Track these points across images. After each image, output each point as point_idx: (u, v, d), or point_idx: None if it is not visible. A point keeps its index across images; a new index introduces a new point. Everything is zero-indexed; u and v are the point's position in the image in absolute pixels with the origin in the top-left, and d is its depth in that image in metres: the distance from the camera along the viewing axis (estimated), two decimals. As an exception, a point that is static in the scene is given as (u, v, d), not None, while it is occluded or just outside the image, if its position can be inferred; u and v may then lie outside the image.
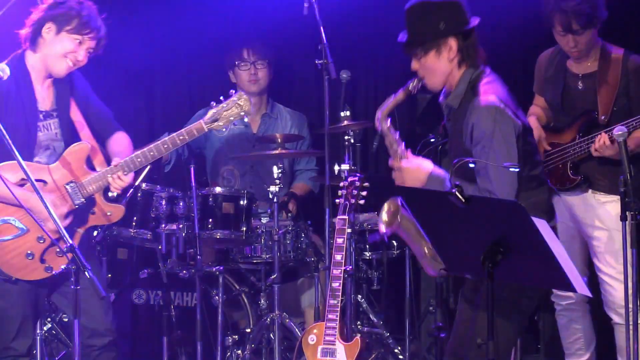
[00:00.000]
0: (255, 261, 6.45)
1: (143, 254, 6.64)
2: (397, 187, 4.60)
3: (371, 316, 6.53)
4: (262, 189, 6.48)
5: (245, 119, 5.29)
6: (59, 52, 5.03)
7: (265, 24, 7.15)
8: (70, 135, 5.17)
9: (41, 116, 5.09)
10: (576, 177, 5.82)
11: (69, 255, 4.14)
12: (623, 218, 5.15)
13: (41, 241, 4.96)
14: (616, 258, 5.68)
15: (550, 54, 6.01)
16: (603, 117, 5.76)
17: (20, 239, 4.90)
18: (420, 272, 6.80)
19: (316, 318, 6.13)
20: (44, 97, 5.12)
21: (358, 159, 6.45)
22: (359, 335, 5.46)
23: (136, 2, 7.22)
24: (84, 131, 5.18)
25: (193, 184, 6.06)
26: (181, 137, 5.13)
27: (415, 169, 4.63)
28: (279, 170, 6.15)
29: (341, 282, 5.33)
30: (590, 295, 4.17)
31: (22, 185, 4.89)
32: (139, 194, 6.16)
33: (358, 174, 5.52)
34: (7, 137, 4.36)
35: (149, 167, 5.88)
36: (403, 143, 4.72)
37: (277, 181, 6.13)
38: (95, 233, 6.07)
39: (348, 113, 6.21)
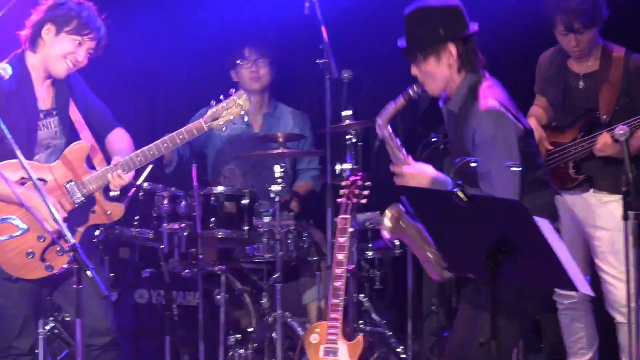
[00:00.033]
0: (257, 260, 6.44)
1: (145, 253, 6.64)
2: (400, 187, 4.60)
3: (373, 315, 6.52)
4: (264, 189, 6.48)
5: (246, 118, 5.27)
6: (58, 53, 5.04)
7: (266, 24, 7.15)
8: (71, 133, 5.17)
9: (41, 115, 5.10)
10: (578, 177, 5.82)
11: (71, 254, 4.14)
12: (625, 218, 5.15)
13: (41, 240, 4.97)
14: (618, 257, 5.69)
15: (551, 54, 6.01)
16: (605, 117, 5.77)
17: (20, 237, 4.91)
18: (422, 272, 6.79)
19: (319, 317, 6.13)
20: (44, 97, 5.13)
21: (360, 158, 6.44)
22: (361, 334, 5.46)
23: (137, 2, 7.22)
24: (84, 132, 5.18)
25: (195, 183, 6.06)
26: (181, 136, 5.13)
27: (418, 174, 4.64)
28: (281, 170, 6.15)
29: (343, 281, 5.33)
30: (592, 294, 4.17)
31: (22, 184, 4.90)
32: (141, 193, 6.16)
33: (360, 173, 5.52)
34: (9, 136, 4.37)
35: (151, 166, 5.89)
36: (404, 149, 4.73)
37: (279, 180, 6.14)
38: (97, 232, 6.08)
39: (350, 112, 6.20)
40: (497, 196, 4.38)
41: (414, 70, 4.69)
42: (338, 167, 5.98)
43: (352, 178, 5.48)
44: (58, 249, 4.94)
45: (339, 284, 5.32)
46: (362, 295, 6.48)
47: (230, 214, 6.27)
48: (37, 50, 5.07)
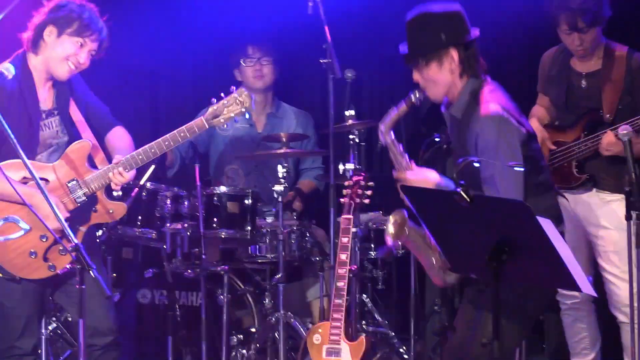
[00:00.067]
0: (260, 260, 6.45)
1: (148, 254, 6.65)
2: (402, 187, 4.60)
3: (376, 316, 6.52)
4: (267, 189, 6.48)
5: (247, 116, 5.26)
6: (60, 55, 5.03)
7: (269, 23, 7.15)
8: (72, 132, 5.17)
9: (43, 115, 5.10)
10: (581, 176, 5.82)
11: (74, 254, 4.14)
12: (628, 218, 5.15)
13: (44, 240, 4.97)
14: (620, 257, 5.68)
15: (554, 53, 6.01)
16: (608, 115, 5.77)
17: (23, 237, 4.90)
18: (425, 272, 6.79)
19: (321, 318, 6.13)
20: (45, 98, 5.13)
21: (363, 158, 6.43)
22: (364, 334, 5.46)
23: (140, 2, 7.22)
24: (86, 133, 5.17)
25: (198, 183, 6.06)
26: (182, 134, 5.12)
27: (422, 180, 4.65)
28: (284, 170, 6.15)
29: (346, 281, 5.33)
30: (595, 295, 4.17)
31: (24, 184, 4.89)
32: (144, 193, 6.16)
33: (363, 173, 5.52)
34: (12, 135, 4.37)
35: (153, 166, 5.88)
36: (407, 155, 4.74)
37: (282, 180, 6.13)
38: (100, 232, 6.08)
39: (353, 112, 6.20)
40: (501, 197, 4.38)
41: (416, 76, 4.70)
42: (341, 167, 5.98)
43: (355, 178, 5.47)
44: (61, 248, 4.95)
45: (341, 284, 5.32)
46: (364, 296, 6.48)
47: (233, 214, 6.27)
48: (39, 52, 5.07)
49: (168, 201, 6.17)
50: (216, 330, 6.14)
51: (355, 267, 5.70)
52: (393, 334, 6.45)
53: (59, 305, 5.83)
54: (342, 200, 5.45)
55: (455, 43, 4.61)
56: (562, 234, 4.25)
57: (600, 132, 5.72)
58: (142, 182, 5.98)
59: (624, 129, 5.29)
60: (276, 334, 6.12)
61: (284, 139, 6.30)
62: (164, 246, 6.17)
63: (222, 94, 5.19)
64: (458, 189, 3.87)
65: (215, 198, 6.27)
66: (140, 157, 5.09)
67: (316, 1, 5.94)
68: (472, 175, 4.53)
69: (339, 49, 6.00)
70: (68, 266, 4.90)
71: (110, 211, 5.16)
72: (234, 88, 5.22)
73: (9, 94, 4.97)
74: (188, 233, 6.15)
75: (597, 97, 5.82)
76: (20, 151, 4.36)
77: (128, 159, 5.08)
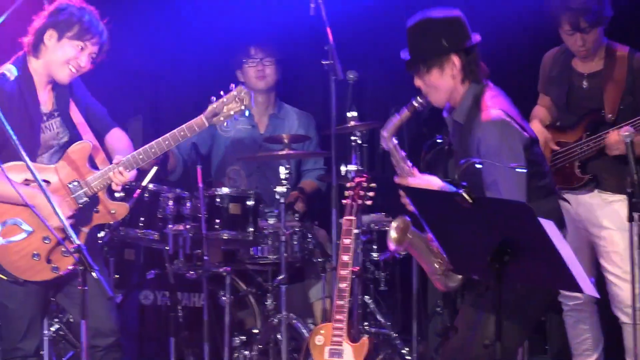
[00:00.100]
0: (262, 262, 6.44)
1: (150, 255, 6.65)
2: (405, 188, 4.60)
3: (378, 317, 6.52)
4: (269, 190, 6.48)
5: (247, 113, 5.25)
6: (60, 58, 5.02)
7: (271, 25, 7.15)
8: (73, 132, 5.17)
9: (44, 118, 5.10)
10: (584, 176, 5.82)
11: (76, 255, 4.14)
12: (630, 219, 5.15)
13: (47, 241, 4.97)
14: (623, 258, 5.68)
15: (555, 53, 6.02)
16: (610, 115, 5.77)
17: (25, 240, 4.90)
18: (427, 274, 6.80)
19: (323, 319, 6.13)
20: (46, 100, 5.12)
21: (365, 159, 6.44)
22: (366, 336, 5.45)
23: (142, 3, 7.22)
24: (87, 135, 5.17)
25: (200, 185, 6.06)
26: (182, 133, 5.11)
27: (424, 185, 4.65)
28: (286, 171, 6.15)
29: (348, 282, 5.32)
30: (597, 296, 4.17)
31: (26, 186, 4.89)
32: (146, 195, 6.16)
33: (365, 175, 5.51)
34: (14, 137, 4.37)
35: (156, 167, 5.88)
36: (410, 161, 4.75)
37: (284, 182, 6.14)
38: (102, 234, 6.08)
39: (355, 114, 6.20)
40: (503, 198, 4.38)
41: (418, 82, 4.71)
42: (343, 169, 5.98)
43: (357, 179, 5.47)
44: (64, 250, 4.95)
45: (344, 285, 5.32)
46: (367, 297, 6.48)
47: (235, 216, 6.27)
48: (39, 56, 5.06)
49: (170, 202, 6.17)
50: (218, 331, 6.14)
51: (358, 268, 5.70)
52: (395, 335, 6.45)
53: (61, 306, 5.83)
54: (344, 201, 5.45)
55: (457, 49, 4.62)
56: (564, 237, 4.24)
57: (603, 132, 5.72)
58: (144, 184, 5.97)
59: (626, 130, 5.29)
60: (278, 335, 6.12)
61: (285, 140, 6.30)
62: (166, 247, 6.17)
63: (222, 92, 5.19)
64: (460, 191, 3.87)
65: (218, 199, 6.27)
66: (141, 156, 5.09)
67: (318, 2, 5.94)
68: (474, 177, 4.53)
69: (341, 50, 6.00)
70: (70, 267, 4.91)
71: (113, 211, 5.16)
72: (233, 86, 5.21)
73: (9, 96, 4.96)
74: (190, 234, 6.15)
75: (598, 98, 5.82)
76: (23, 152, 4.37)
77: (129, 159, 5.08)
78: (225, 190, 6.34)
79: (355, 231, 5.46)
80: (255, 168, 6.98)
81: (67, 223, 4.34)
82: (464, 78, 4.65)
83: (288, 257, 6.23)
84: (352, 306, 5.68)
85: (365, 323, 6.36)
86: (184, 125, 5.12)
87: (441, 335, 6.60)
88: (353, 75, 6.40)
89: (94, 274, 4.11)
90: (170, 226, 6.16)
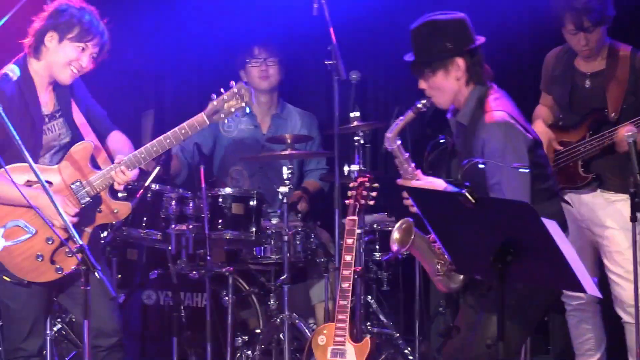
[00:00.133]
0: (264, 262, 6.45)
1: (153, 255, 6.65)
2: (408, 189, 4.60)
3: (381, 317, 6.52)
4: (271, 190, 6.48)
5: (247, 110, 5.24)
6: (62, 60, 5.01)
7: (274, 25, 7.15)
8: (75, 132, 5.16)
9: (46, 119, 5.09)
10: (587, 175, 5.82)
11: (79, 255, 4.14)
12: (633, 219, 5.15)
13: (50, 242, 4.96)
14: (625, 257, 5.68)
15: (558, 52, 6.02)
16: (613, 115, 5.77)
17: (29, 241, 4.89)
18: (430, 273, 6.80)
19: (326, 319, 6.13)
20: (47, 101, 5.11)
21: (368, 159, 6.44)
22: (368, 335, 5.46)
23: (144, 4, 7.22)
24: (90, 136, 5.16)
25: (203, 185, 6.06)
26: (183, 131, 5.10)
27: (428, 187, 4.65)
28: (289, 171, 6.15)
29: (351, 282, 5.33)
30: (600, 296, 4.17)
31: (29, 187, 4.89)
32: (149, 195, 6.17)
33: (368, 175, 5.51)
34: (17, 137, 4.37)
35: (158, 167, 5.88)
36: (414, 163, 4.75)
37: (287, 182, 6.14)
38: (105, 234, 6.09)
39: (358, 114, 6.20)
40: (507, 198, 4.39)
41: (422, 84, 4.72)
42: (346, 169, 5.98)
43: (360, 179, 5.47)
44: (67, 250, 4.94)
45: (346, 285, 5.32)
46: (369, 297, 6.48)
47: (238, 216, 6.27)
48: (40, 58, 5.05)
49: (173, 202, 6.17)
50: (221, 331, 6.14)
51: (360, 268, 5.70)
52: (398, 335, 6.45)
53: (63, 306, 5.83)
54: (346, 201, 5.45)
55: (461, 51, 4.63)
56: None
57: (606, 131, 5.72)
58: (147, 184, 5.97)
59: (628, 130, 5.29)
60: (281, 335, 6.12)
61: (288, 140, 6.30)
62: (169, 247, 6.18)
63: (222, 90, 5.19)
64: (463, 191, 3.87)
65: (220, 199, 6.27)
66: (142, 155, 5.08)
67: (321, 2, 5.94)
68: (477, 177, 4.54)
69: (344, 50, 6.00)
70: (74, 267, 4.91)
71: (115, 211, 5.15)
72: (234, 83, 5.20)
73: (10, 98, 4.95)
74: (193, 234, 6.15)
75: (601, 97, 5.82)
76: (26, 153, 4.36)
77: (130, 158, 5.07)
78: (228, 190, 6.34)
79: (358, 231, 5.46)
80: (258, 168, 6.98)
81: (70, 223, 4.34)
82: (468, 80, 4.66)
83: (291, 257, 6.23)
84: (355, 306, 5.69)
85: (368, 323, 6.35)
86: (184, 123, 5.11)
87: (444, 335, 6.60)
88: (356, 76, 6.40)
89: (96, 274, 4.11)
90: (173, 226, 6.16)
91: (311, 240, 6.44)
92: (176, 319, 6.14)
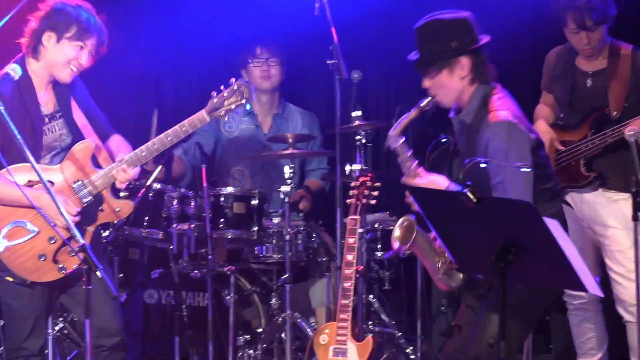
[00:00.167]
0: (266, 261, 6.45)
1: (154, 254, 6.64)
2: (410, 188, 4.60)
3: (383, 316, 6.53)
4: (273, 189, 6.48)
5: (248, 107, 5.25)
6: (61, 59, 5.00)
7: (276, 24, 7.15)
8: (76, 132, 5.16)
9: (46, 120, 5.08)
10: (590, 174, 5.82)
11: (81, 255, 4.14)
12: (635, 219, 5.14)
13: (52, 242, 4.96)
14: (627, 256, 5.68)
15: (559, 51, 6.02)
16: (615, 113, 5.78)
17: (31, 241, 4.90)
18: (432, 273, 6.79)
19: (328, 318, 6.13)
20: (47, 101, 5.10)
21: (369, 158, 6.44)
22: (370, 335, 5.45)
23: (146, 4, 7.22)
24: (91, 137, 5.16)
25: (205, 184, 6.06)
26: (184, 129, 5.09)
27: (430, 185, 4.65)
28: (290, 171, 6.15)
29: (353, 282, 5.32)
30: (601, 295, 4.17)
31: (29, 187, 4.88)
32: (151, 194, 6.17)
33: (369, 174, 5.51)
34: (19, 137, 4.37)
35: (160, 167, 5.88)
36: (416, 161, 4.75)
37: (289, 181, 6.14)
38: (106, 233, 6.08)
39: (359, 113, 6.20)
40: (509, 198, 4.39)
41: (426, 83, 4.72)
42: (347, 168, 5.98)
43: (362, 178, 5.47)
44: (69, 249, 4.94)
45: (348, 284, 5.31)
46: (371, 296, 6.48)
47: (239, 215, 6.27)
48: (39, 58, 5.03)
49: (175, 202, 6.18)
50: (223, 330, 6.14)
51: (362, 267, 5.70)
52: (400, 334, 6.45)
53: (64, 305, 5.83)
54: (348, 200, 5.45)
55: (466, 50, 4.63)
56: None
57: (608, 130, 5.73)
58: (148, 183, 5.98)
59: (631, 130, 5.29)
60: (283, 334, 6.12)
61: (290, 140, 6.30)
62: (171, 247, 6.18)
63: (222, 87, 5.19)
64: (465, 190, 3.87)
65: (222, 199, 6.27)
66: (144, 153, 5.07)
67: (323, 2, 5.94)
68: (478, 177, 4.54)
69: (346, 49, 6.00)
70: (76, 266, 4.91)
71: (117, 210, 5.15)
72: (233, 80, 5.20)
73: (8, 100, 4.92)
74: (195, 234, 6.16)
75: (602, 96, 5.82)
76: (28, 153, 4.36)
77: (131, 156, 5.07)
78: (229, 189, 6.34)
79: (360, 230, 5.46)
80: (259, 168, 6.98)
81: (72, 223, 4.33)
82: (472, 79, 4.66)
83: (292, 256, 6.23)
84: (357, 305, 5.68)
85: (370, 322, 6.36)
86: (185, 121, 5.11)
87: (446, 334, 6.60)
88: (357, 75, 6.40)
89: (98, 273, 4.11)
90: (174, 225, 6.17)
91: (313, 239, 6.44)
92: (178, 318, 6.14)
